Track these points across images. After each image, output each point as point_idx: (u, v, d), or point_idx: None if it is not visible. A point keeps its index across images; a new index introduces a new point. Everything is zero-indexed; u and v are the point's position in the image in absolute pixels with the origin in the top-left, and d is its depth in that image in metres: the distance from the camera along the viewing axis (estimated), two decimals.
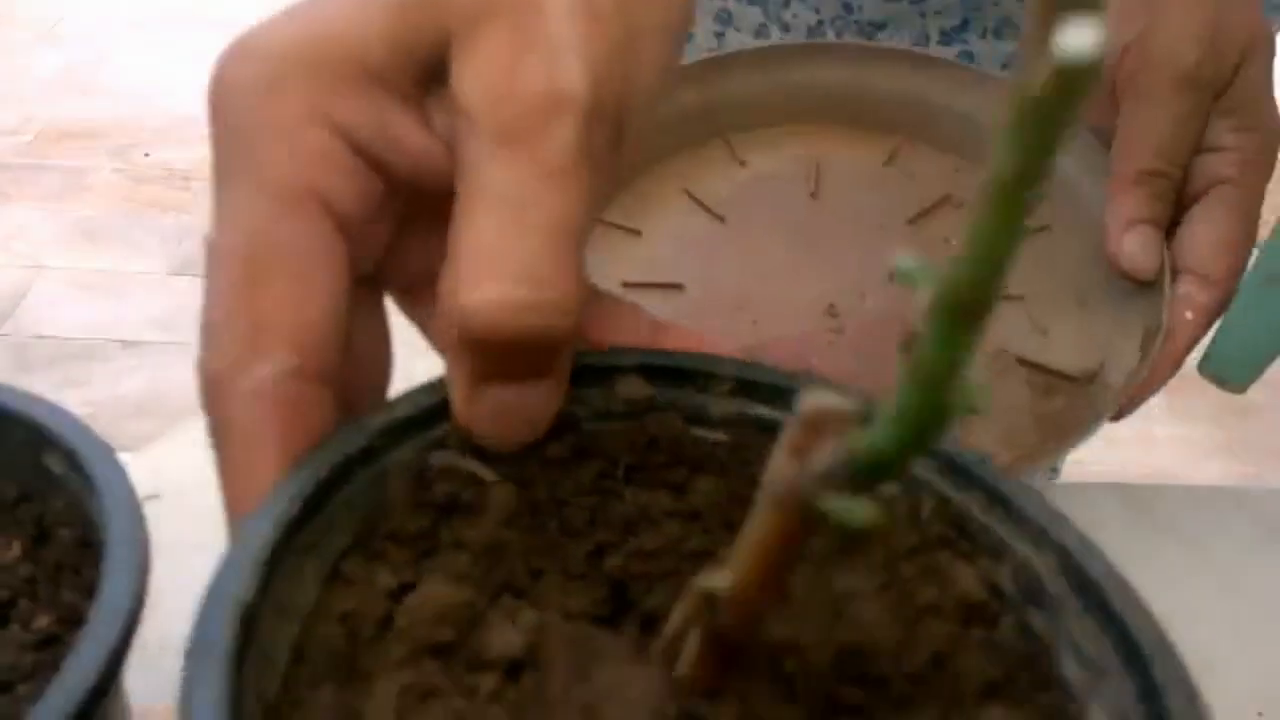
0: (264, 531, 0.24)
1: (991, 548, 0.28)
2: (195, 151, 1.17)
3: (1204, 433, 1.41)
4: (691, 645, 0.24)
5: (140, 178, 1.20)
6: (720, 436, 0.31)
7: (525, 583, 0.27)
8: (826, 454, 0.20)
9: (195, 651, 0.21)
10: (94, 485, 0.30)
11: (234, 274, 0.26)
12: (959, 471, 0.28)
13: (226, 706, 0.20)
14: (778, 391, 0.30)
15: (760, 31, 0.69)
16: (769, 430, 0.31)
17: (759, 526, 0.22)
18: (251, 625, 0.22)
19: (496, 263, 0.25)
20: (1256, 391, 0.48)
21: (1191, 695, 0.23)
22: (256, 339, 0.25)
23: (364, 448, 0.27)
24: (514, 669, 0.24)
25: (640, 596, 0.27)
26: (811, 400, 0.20)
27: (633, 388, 0.30)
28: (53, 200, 1.13)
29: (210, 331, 0.26)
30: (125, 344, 0.65)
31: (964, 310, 0.16)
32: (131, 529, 0.28)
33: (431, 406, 0.28)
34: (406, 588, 0.26)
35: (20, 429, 0.33)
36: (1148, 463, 1.42)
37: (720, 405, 0.31)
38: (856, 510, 0.20)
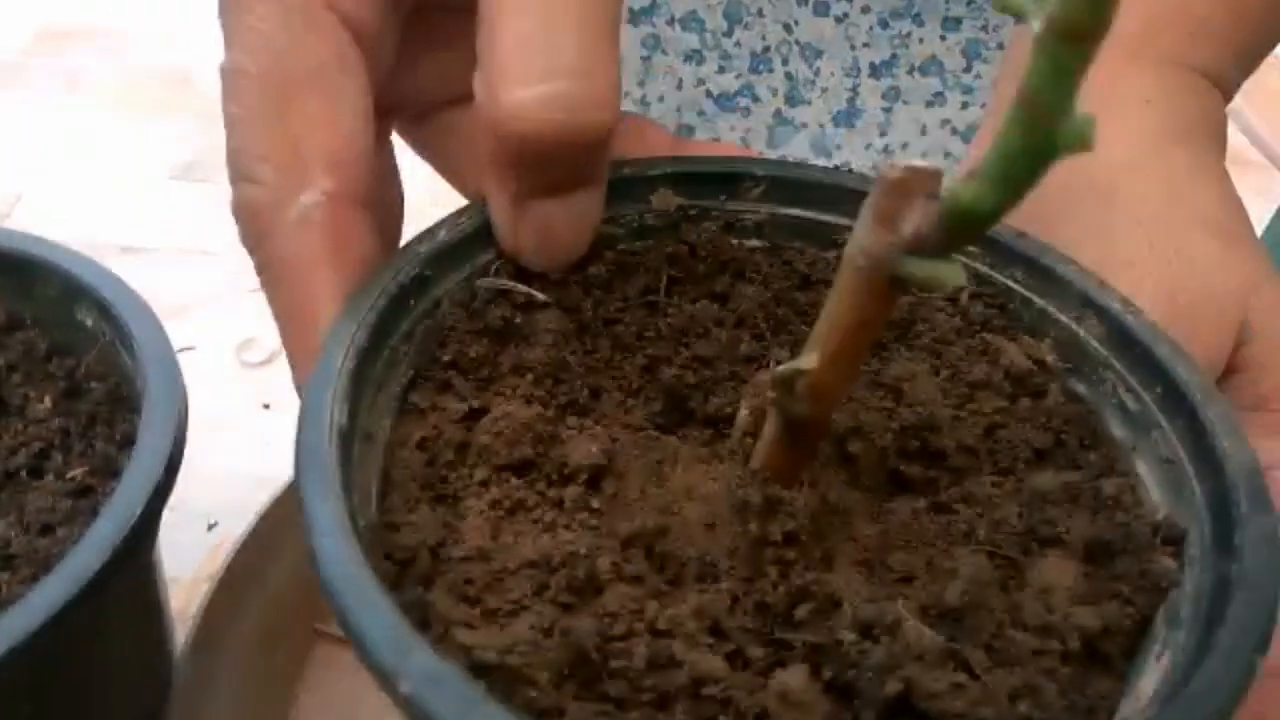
0: (340, 361, 0.23)
1: (1033, 322, 0.28)
2: (195, 54, 1.10)
3: None
4: (767, 436, 0.25)
5: (135, 81, 1.13)
6: (755, 242, 0.31)
7: (586, 400, 0.27)
8: (915, 217, 0.20)
9: (307, 474, 0.21)
10: (127, 337, 0.30)
11: (261, 97, 0.24)
12: (998, 249, 0.29)
13: (347, 525, 0.20)
14: (809, 190, 0.30)
15: (692, 57, 0.62)
16: (802, 232, 0.31)
17: (841, 302, 0.22)
18: (348, 452, 0.22)
19: (534, 58, 0.24)
20: None
21: (1239, 432, 0.24)
22: (294, 166, 0.24)
23: (416, 276, 0.26)
24: (593, 479, 0.25)
25: (698, 404, 0.28)
26: (897, 165, 0.20)
27: (665, 199, 0.30)
28: (50, 101, 1.07)
29: (243, 162, 0.25)
30: (124, 249, 0.63)
31: (1077, 34, 0.16)
32: (167, 377, 0.28)
33: (474, 230, 0.28)
34: (476, 413, 0.26)
35: (52, 281, 0.33)
36: None
37: (752, 210, 0.31)
38: (944, 272, 0.20)
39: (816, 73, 0.59)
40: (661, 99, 0.59)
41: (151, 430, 0.27)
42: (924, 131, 0.59)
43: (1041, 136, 0.17)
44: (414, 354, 0.27)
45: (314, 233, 0.24)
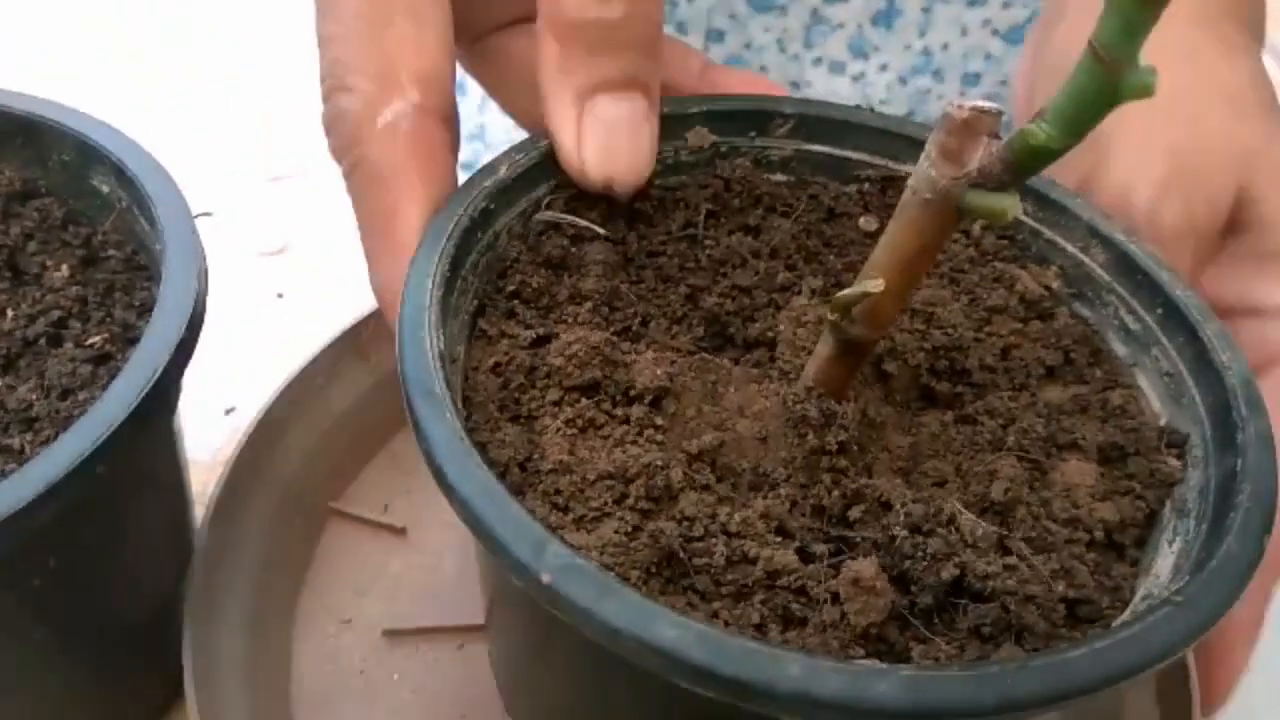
0: (430, 291, 0.25)
1: (1041, 251, 0.31)
2: None
3: None
4: (820, 356, 0.27)
5: None
6: (781, 177, 0.33)
7: (638, 327, 0.29)
8: (980, 154, 0.22)
9: (418, 398, 0.23)
10: (145, 203, 0.30)
11: (358, 17, 0.26)
12: None
13: (466, 442, 0.22)
14: (832, 127, 0.33)
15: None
16: (825, 167, 0.33)
17: (905, 231, 0.24)
18: (446, 376, 0.24)
19: None
20: None
21: (1234, 346, 0.27)
22: (387, 78, 0.26)
23: (482, 209, 0.28)
24: (655, 399, 0.27)
25: (738, 329, 0.30)
26: (964, 107, 0.22)
27: (700, 136, 0.32)
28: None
29: (339, 73, 0.26)
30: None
31: None
32: (186, 238, 0.28)
33: (531, 166, 0.29)
34: (541, 339, 0.27)
35: (67, 146, 0.32)
36: None
37: (779, 146, 0.33)
38: (1004, 203, 0.23)
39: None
40: (692, 0, 0.59)
41: (172, 289, 0.27)
42: (964, 33, 0.58)
43: (1109, 85, 0.20)
44: (479, 284, 0.28)
45: (401, 140, 0.26)
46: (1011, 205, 0.23)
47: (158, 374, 0.25)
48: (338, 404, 0.41)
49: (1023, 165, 0.22)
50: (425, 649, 0.37)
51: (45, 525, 0.23)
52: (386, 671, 0.36)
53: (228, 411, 0.43)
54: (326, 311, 0.42)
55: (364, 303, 0.42)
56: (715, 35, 0.57)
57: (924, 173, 0.23)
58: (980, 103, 0.22)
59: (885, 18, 0.57)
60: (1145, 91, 0.20)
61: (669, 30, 0.58)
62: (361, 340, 0.42)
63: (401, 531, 0.40)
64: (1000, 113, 0.22)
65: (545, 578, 0.20)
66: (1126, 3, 0.19)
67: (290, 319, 0.47)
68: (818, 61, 0.57)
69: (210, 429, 0.42)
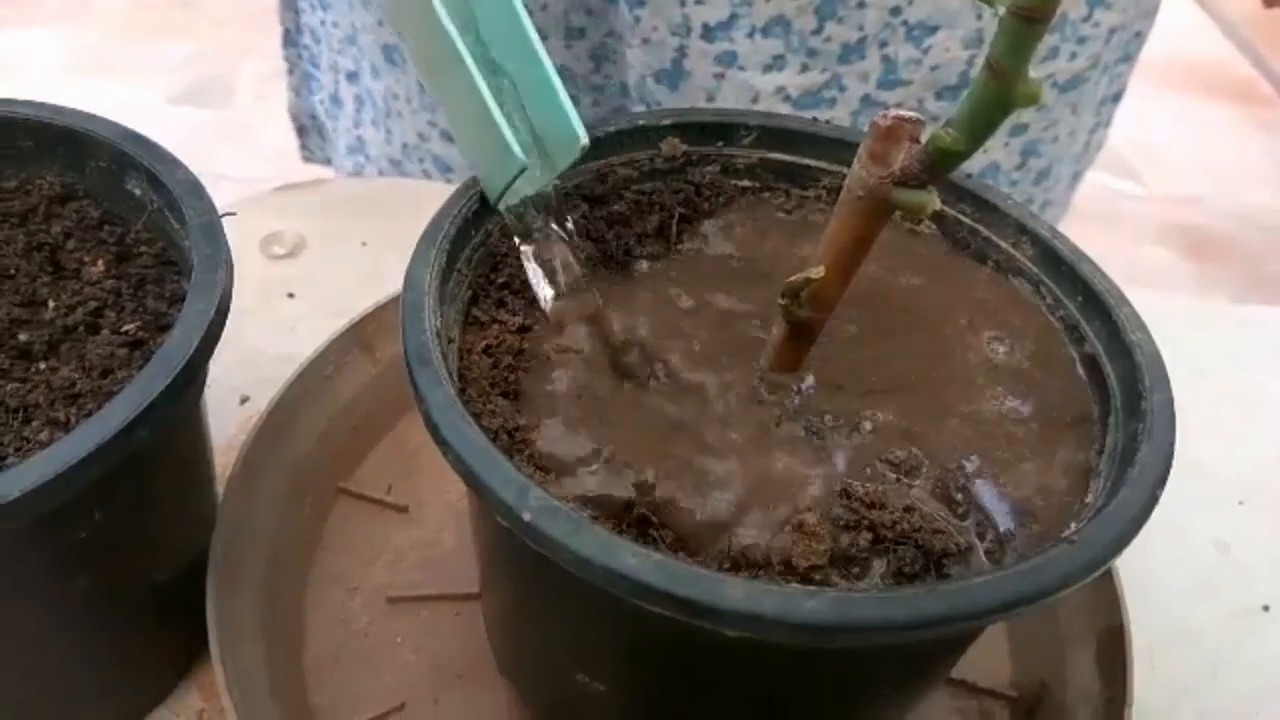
0: (429, 280, 0.28)
1: (978, 247, 0.35)
2: None
3: None
4: (776, 337, 0.30)
5: (143, 4, 1.10)
6: (747, 183, 0.36)
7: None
8: (902, 156, 0.26)
9: (419, 369, 0.26)
10: (175, 204, 0.33)
11: None
12: (950, 187, 0.35)
13: (459, 404, 0.25)
14: (791, 138, 0.36)
15: (773, 65, 0.57)
16: (786, 174, 0.37)
17: (841, 225, 0.28)
18: (443, 352, 0.27)
19: None
20: None
21: (1144, 328, 0.30)
22: None
23: (476, 210, 0.31)
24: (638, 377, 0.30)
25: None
26: (887, 114, 0.26)
27: (673, 146, 0.35)
28: (54, 26, 1.04)
29: None
30: None
31: (1032, 17, 0.22)
32: (214, 229, 0.31)
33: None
34: (527, 326, 0.31)
35: (102, 153, 0.35)
36: None
37: (745, 155, 0.36)
38: (924, 199, 0.26)
39: (926, 50, 0.57)
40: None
41: (202, 278, 0.30)
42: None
43: (1003, 94, 0.23)
44: (473, 275, 0.32)
45: None
46: (930, 200, 0.26)
47: (192, 350, 0.28)
48: (344, 393, 0.45)
49: (936, 165, 0.25)
50: (425, 614, 0.40)
51: (93, 482, 0.26)
52: (390, 634, 0.40)
53: (243, 400, 0.46)
54: (334, 310, 0.46)
55: (369, 301, 0.46)
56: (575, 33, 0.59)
57: (857, 173, 0.27)
58: (903, 112, 0.26)
59: (954, 92, 0.58)
60: (1033, 99, 0.23)
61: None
62: (366, 334, 0.45)
63: (404, 509, 0.44)
64: (920, 121, 0.26)
65: (526, 516, 0.24)
66: (1014, 24, 0.22)
67: (298, 317, 0.51)
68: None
69: (227, 416, 0.45)
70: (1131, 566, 0.40)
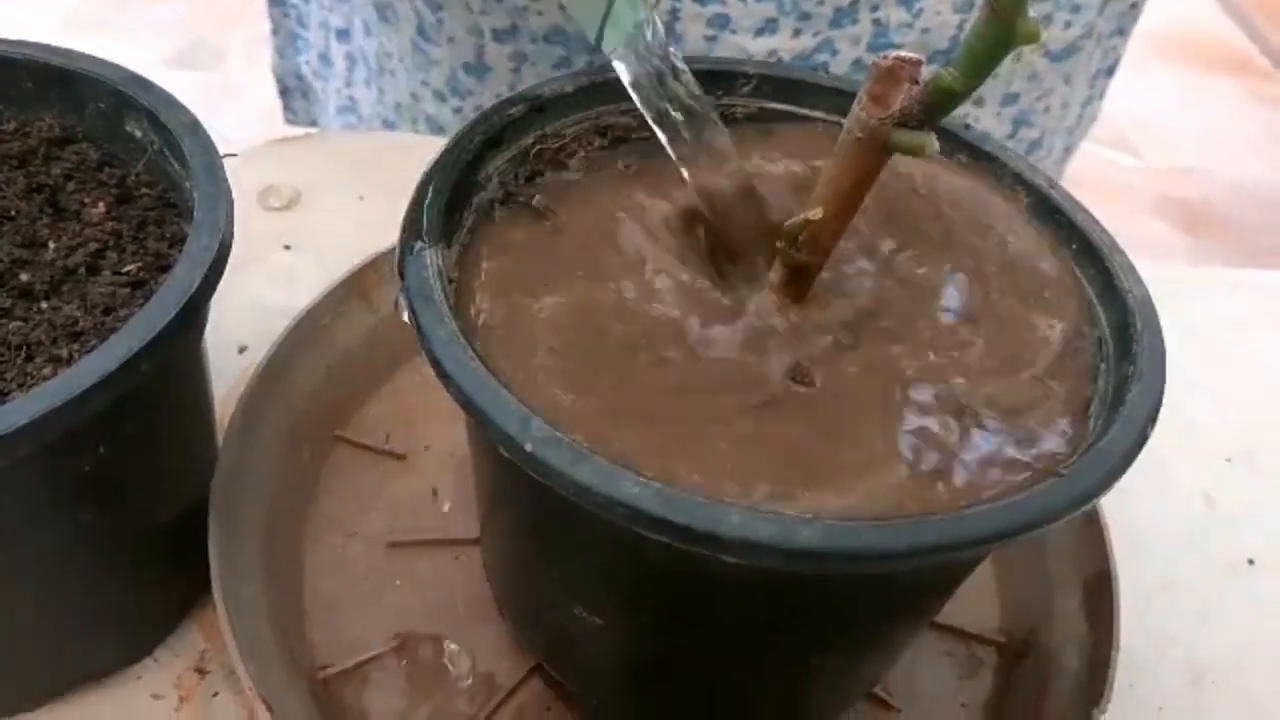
0: (429, 220, 0.29)
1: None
2: None
3: None
4: (772, 281, 0.31)
5: None
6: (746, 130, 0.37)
7: None
8: (902, 97, 0.26)
9: (422, 307, 0.26)
10: (176, 145, 0.33)
11: None
12: (947, 136, 0.35)
13: (462, 340, 0.26)
14: (791, 87, 0.36)
15: (765, 29, 0.57)
16: (787, 122, 0.37)
17: (840, 166, 0.28)
18: (444, 289, 0.28)
19: None
20: None
21: (1137, 276, 0.31)
22: None
23: (477, 154, 0.31)
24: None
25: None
26: (887, 54, 0.26)
27: None
28: None
29: None
30: None
31: None
32: (215, 168, 0.31)
33: (519, 118, 0.33)
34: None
35: (102, 95, 0.35)
36: None
37: (744, 104, 0.36)
38: (923, 140, 0.26)
39: (917, 14, 0.57)
40: None
41: (205, 216, 0.30)
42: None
43: (1004, 32, 0.23)
44: (474, 219, 0.32)
45: None
46: (929, 142, 0.26)
47: (196, 285, 0.28)
48: (342, 342, 0.45)
49: (936, 105, 0.26)
50: (425, 559, 0.41)
51: (98, 414, 0.26)
52: (389, 578, 0.40)
53: (241, 350, 0.46)
54: (331, 262, 0.46)
55: (366, 253, 0.46)
56: None
57: (856, 115, 0.27)
58: (903, 53, 0.26)
59: (945, 56, 0.58)
60: (1033, 37, 0.23)
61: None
62: (365, 284, 0.46)
63: (402, 457, 0.44)
64: (920, 61, 0.26)
65: (528, 447, 0.24)
66: None
67: (295, 268, 0.51)
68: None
69: (225, 367, 0.45)
70: (1120, 519, 0.41)
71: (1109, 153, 1.66)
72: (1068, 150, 0.72)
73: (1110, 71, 0.70)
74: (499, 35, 0.59)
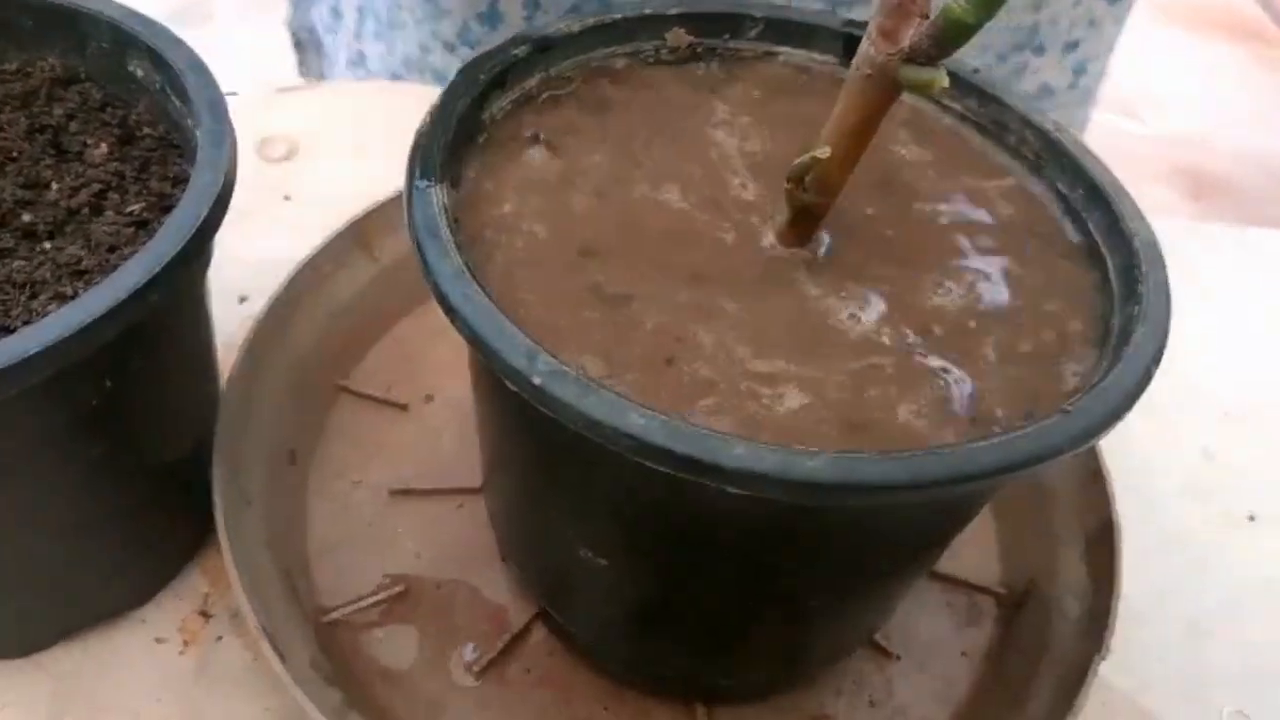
0: (436, 157, 0.29)
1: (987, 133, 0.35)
2: None
3: None
4: (780, 222, 0.31)
5: None
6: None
7: None
8: (911, 32, 0.26)
9: (427, 242, 0.26)
10: (178, 84, 0.33)
11: None
12: (956, 81, 0.35)
13: (468, 274, 0.26)
14: (797, 29, 0.36)
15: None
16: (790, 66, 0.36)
17: (848, 104, 0.28)
18: (449, 225, 0.27)
19: None
20: None
21: (1142, 218, 0.31)
22: None
23: (482, 93, 0.31)
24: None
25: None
26: None
27: (678, 36, 0.35)
28: None
29: None
30: None
31: None
32: (218, 105, 0.31)
33: (523, 58, 0.33)
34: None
35: (104, 33, 0.35)
36: None
37: (751, 47, 0.36)
38: (933, 75, 0.26)
39: None
40: None
41: (208, 152, 0.30)
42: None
43: None
44: (480, 157, 0.32)
45: None
46: (939, 77, 0.26)
47: (202, 219, 0.28)
48: (344, 291, 0.45)
49: (947, 39, 0.25)
50: (428, 507, 0.41)
51: (106, 345, 0.26)
52: (392, 525, 0.40)
53: (241, 300, 0.46)
54: (331, 212, 0.46)
55: (365, 202, 0.46)
56: None
57: (865, 51, 0.27)
58: None
59: None
60: None
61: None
62: (366, 233, 0.45)
63: (404, 408, 0.44)
64: None
65: (536, 380, 0.24)
66: None
67: (295, 218, 0.50)
68: None
69: (226, 316, 0.45)
70: (1120, 472, 0.41)
71: (1116, 119, 1.65)
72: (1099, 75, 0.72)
73: None
74: None
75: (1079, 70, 0.64)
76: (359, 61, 0.74)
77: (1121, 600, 0.37)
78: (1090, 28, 0.62)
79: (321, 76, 0.81)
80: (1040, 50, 0.61)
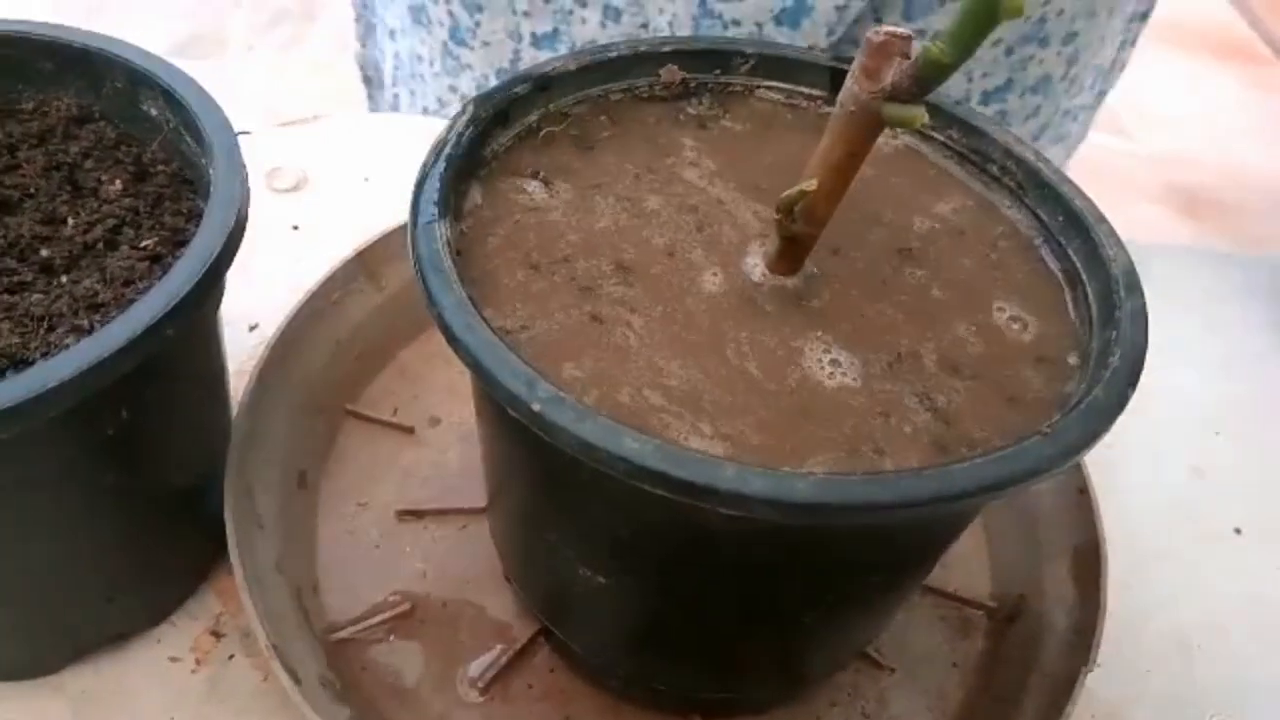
0: (438, 191, 0.30)
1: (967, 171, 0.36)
2: None
3: None
4: (770, 252, 0.32)
5: None
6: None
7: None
8: (893, 71, 0.27)
9: (430, 275, 0.28)
10: (191, 123, 0.34)
11: None
12: (939, 113, 0.36)
13: (470, 306, 0.27)
14: (787, 66, 0.37)
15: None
16: (779, 102, 0.38)
17: (833, 140, 0.29)
18: (451, 257, 0.29)
19: None
20: None
21: (1120, 244, 0.32)
22: None
23: (483, 131, 0.33)
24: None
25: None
26: (879, 30, 0.27)
27: (671, 73, 0.37)
28: None
29: None
30: None
31: None
32: (231, 145, 0.33)
33: (524, 95, 0.34)
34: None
35: (119, 74, 0.36)
36: None
37: (742, 82, 0.37)
38: (914, 113, 0.27)
39: None
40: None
41: (221, 189, 0.31)
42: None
43: (989, 6, 0.24)
44: (480, 190, 0.33)
45: None
46: (919, 114, 0.27)
47: (215, 254, 0.29)
48: (350, 318, 0.46)
49: (926, 78, 0.27)
50: (434, 528, 0.42)
51: (123, 377, 0.28)
52: (399, 545, 0.41)
53: (251, 328, 0.48)
54: (338, 242, 0.47)
55: (372, 231, 0.47)
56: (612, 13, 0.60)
57: (849, 89, 0.28)
58: (894, 28, 0.27)
59: None
60: (1017, 11, 0.24)
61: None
62: (371, 262, 0.47)
63: (410, 430, 0.45)
64: (910, 37, 0.27)
65: (535, 406, 0.25)
66: None
67: (303, 248, 0.52)
68: None
69: (237, 343, 0.47)
70: (1108, 489, 0.42)
71: (1107, 138, 1.67)
72: (1101, 95, 0.73)
73: (1144, 16, 0.70)
74: (538, 40, 0.60)
75: (1072, 60, 0.65)
76: (394, 105, 0.75)
77: (1109, 614, 0.38)
78: (1089, 19, 0.64)
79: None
80: (1044, 43, 0.63)
